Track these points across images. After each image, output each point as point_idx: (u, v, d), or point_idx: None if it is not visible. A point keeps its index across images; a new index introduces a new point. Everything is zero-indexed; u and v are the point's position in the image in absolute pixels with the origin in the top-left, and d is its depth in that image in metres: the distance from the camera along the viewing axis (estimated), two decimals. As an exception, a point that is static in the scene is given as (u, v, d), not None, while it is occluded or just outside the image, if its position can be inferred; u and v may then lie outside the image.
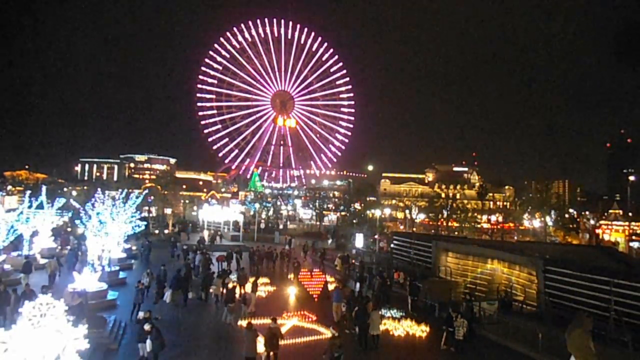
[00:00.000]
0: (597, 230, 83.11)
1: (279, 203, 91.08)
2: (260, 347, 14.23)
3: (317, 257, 38.59)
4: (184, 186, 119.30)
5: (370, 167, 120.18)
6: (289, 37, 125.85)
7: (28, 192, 31.89)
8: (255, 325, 14.72)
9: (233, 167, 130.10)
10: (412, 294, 23.71)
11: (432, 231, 71.11)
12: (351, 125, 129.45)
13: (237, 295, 20.67)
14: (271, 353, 13.95)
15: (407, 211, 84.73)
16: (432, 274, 30.88)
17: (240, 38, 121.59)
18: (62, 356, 8.89)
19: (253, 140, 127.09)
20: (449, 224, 73.63)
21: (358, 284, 25.70)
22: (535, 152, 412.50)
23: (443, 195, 77.06)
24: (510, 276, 26.68)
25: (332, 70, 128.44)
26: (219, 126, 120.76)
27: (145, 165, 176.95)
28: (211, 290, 23.02)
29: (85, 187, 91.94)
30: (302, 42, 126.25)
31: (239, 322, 18.40)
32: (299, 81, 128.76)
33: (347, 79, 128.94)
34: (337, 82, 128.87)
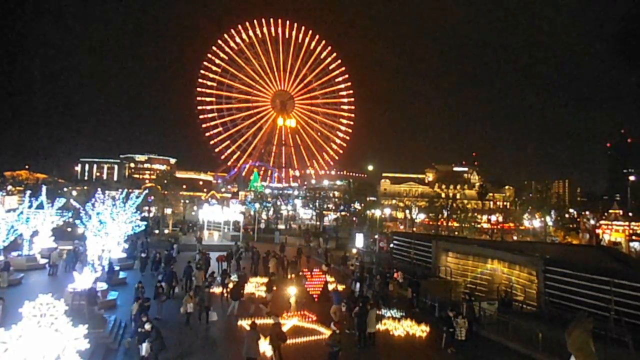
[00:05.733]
0: (597, 230, 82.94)
1: (279, 203, 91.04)
2: (263, 346, 14.25)
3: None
4: (184, 186, 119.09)
5: (370, 167, 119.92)
6: (287, 36, 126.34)
7: (28, 192, 31.86)
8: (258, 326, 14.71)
9: (235, 168, 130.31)
10: (412, 291, 23.94)
11: (432, 231, 70.98)
12: (351, 123, 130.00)
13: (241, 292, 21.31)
14: (278, 348, 14.05)
15: (407, 211, 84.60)
16: (432, 274, 30.87)
17: (238, 39, 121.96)
18: (62, 356, 8.90)
19: (254, 141, 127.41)
20: (449, 224, 73.50)
21: (358, 284, 25.67)
22: (535, 152, 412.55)
23: (443, 195, 77.03)
24: (510, 276, 26.71)
25: (330, 67, 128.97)
26: (220, 129, 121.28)
27: (145, 165, 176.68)
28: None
29: (85, 187, 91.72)
30: (299, 41, 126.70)
31: (240, 322, 18.44)
32: (298, 80, 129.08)
33: (346, 76, 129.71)
34: (336, 80, 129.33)
